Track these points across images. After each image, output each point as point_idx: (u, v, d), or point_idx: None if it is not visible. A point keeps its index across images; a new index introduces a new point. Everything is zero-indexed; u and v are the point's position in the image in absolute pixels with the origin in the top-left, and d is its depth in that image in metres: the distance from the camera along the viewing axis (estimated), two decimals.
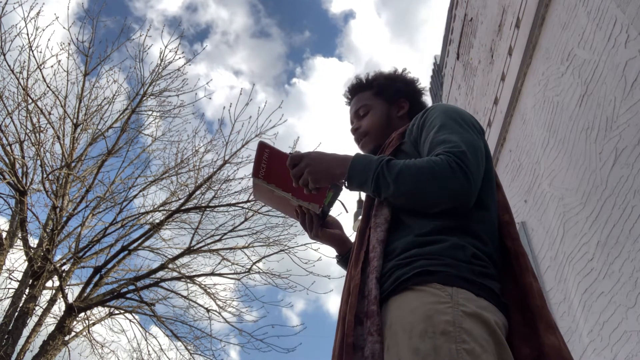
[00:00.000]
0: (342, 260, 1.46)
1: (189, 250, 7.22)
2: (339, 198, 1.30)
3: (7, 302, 6.36)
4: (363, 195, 1.40)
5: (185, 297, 7.20)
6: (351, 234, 1.59)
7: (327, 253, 7.60)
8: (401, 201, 1.10)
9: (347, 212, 1.42)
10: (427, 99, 1.63)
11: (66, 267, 6.93)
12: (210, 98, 11.02)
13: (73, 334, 6.58)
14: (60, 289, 6.29)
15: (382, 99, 1.51)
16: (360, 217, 1.30)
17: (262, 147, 1.28)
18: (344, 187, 1.22)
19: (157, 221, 7.26)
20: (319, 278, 8.34)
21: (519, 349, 0.97)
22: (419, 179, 1.04)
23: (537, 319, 0.99)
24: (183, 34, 9.87)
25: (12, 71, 6.28)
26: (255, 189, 1.38)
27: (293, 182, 1.21)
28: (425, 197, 1.06)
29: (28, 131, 6.46)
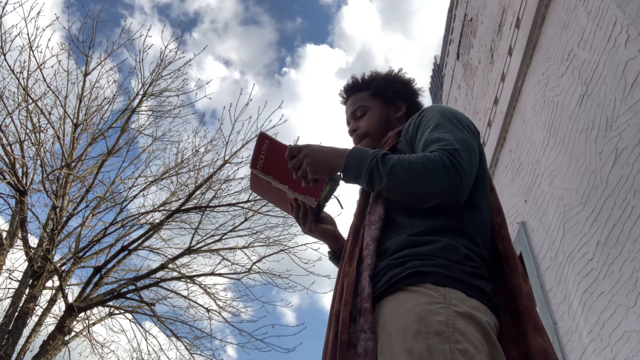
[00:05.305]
0: (334, 256, 1.46)
1: (189, 250, 7.22)
2: (335, 194, 1.30)
3: (7, 302, 6.37)
4: None
5: (185, 297, 7.20)
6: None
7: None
8: (393, 195, 1.10)
9: (342, 208, 1.43)
10: (424, 99, 1.63)
11: (66, 267, 6.93)
12: (210, 98, 11.00)
13: (73, 334, 6.58)
14: (60, 289, 6.29)
15: (379, 100, 1.51)
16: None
17: (262, 138, 1.27)
18: (340, 182, 1.23)
19: (157, 221, 7.26)
20: (318, 277, 8.35)
21: (507, 350, 0.97)
22: (411, 173, 1.04)
23: (525, 320, 1.00)
24: (183, 34, 9.86)
25: (13, 71, 6.28)
26: (252, 180, 1.38)
27: (292, 173, 1.21)
28: (417, 192, 1.06)
29: (28, 131, 6.46)
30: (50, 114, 6.84)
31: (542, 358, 0.95)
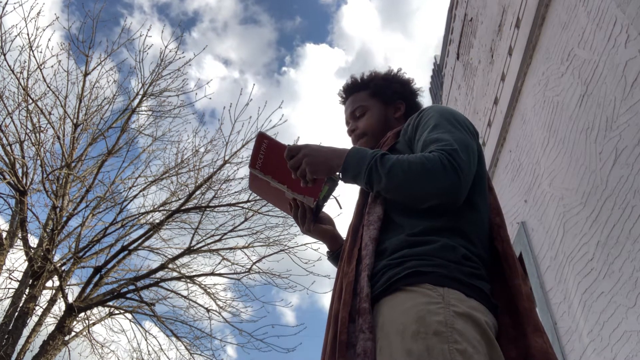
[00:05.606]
0: (333, 256, 1.46)
1: (189, 250, 7.22)
2: (334, 194, 1.30)
3: (7, 302, 6.37)
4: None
5: (185, 297, 7.20)
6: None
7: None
8: (392, 195, 1.10)
9: (341, 208, 1.43)
10: (423, 100, 1.62)
11: (66, 267, 6.93)
12: (210, 98, 10.98)
13: (73, 334, 6.58)
14: (60, 289, 6.29)
15: (378, 100, 1.51)
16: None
17: (261, 138, 1.27)
18: (339, 182, 1.23)
19: (157, 221, 7.25)
20: (318, 277, 8.35)
21: (506, 350, 0.97)
22: (410, 173, 1.04)
23: (525, 321, 1.00)
24: (183, 34, 9.86)
25: (13, 71, 6.29)
26: (251, 180, 1.38)
27: (291, 173, 1.21)
28: (416, 192, 1.06)
29: (28, 131, 6.47)
30: (50, 114, 6.85)
31: (542, 359, 0.95)
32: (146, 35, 7.18)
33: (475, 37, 4.66)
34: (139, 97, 7.49)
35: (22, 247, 6.46)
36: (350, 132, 1.51)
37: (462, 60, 5.20)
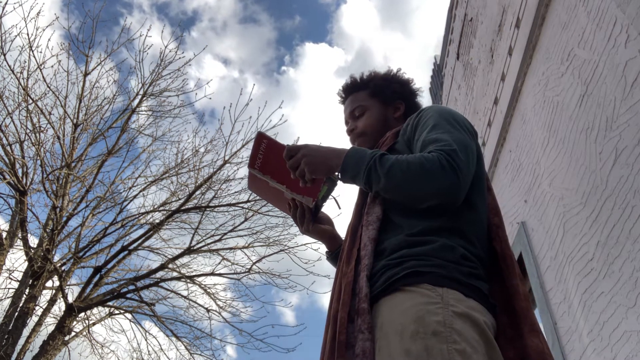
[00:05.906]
0: (332, 256, 1.46)
1: (189, 250, 7.22)
2: (333, 194, 1.30)
3: (7, 302, 6.37)
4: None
5: (185, 297, 7.20)
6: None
7: None
8: (391, 195, 1.10)
9: (340, 208, 1.42)
10: (422, 100, 1.62)
11: (66, 267, 6.93)
12: (210, 98, 10.96)
13: (73, 334, 6.58)
14: (60, 289, 6.29)
15: (378, 100, 1.51)
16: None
17: (260, 138, 1.27)
18: (338, 182, 1.23)
19: (157, 221, 7.25)
20: (318, 277, 8.35)
21: (504, 350, 0.97)
22: (409, 173, 1.04)
23: (522, 321, 1.00)
24: (183, 34, 9.86)
25: (13, 71, 6.29)
26: (250, 179, 1.38)
27: (290, 173, 1.21)
28: (414, 192, 1.06)
29: (28, 131, 6.47)
30: (50, 114, 6.86)
31: (538, 359, 0.95)
32: (146, 35, 7.19)
33: (475, 37, 4.66)
34: (139, 97, 7.50)
35: (22, 247, 6.47)
36: (349, 131, 1.51)
37: (462, 60, 5.20)
